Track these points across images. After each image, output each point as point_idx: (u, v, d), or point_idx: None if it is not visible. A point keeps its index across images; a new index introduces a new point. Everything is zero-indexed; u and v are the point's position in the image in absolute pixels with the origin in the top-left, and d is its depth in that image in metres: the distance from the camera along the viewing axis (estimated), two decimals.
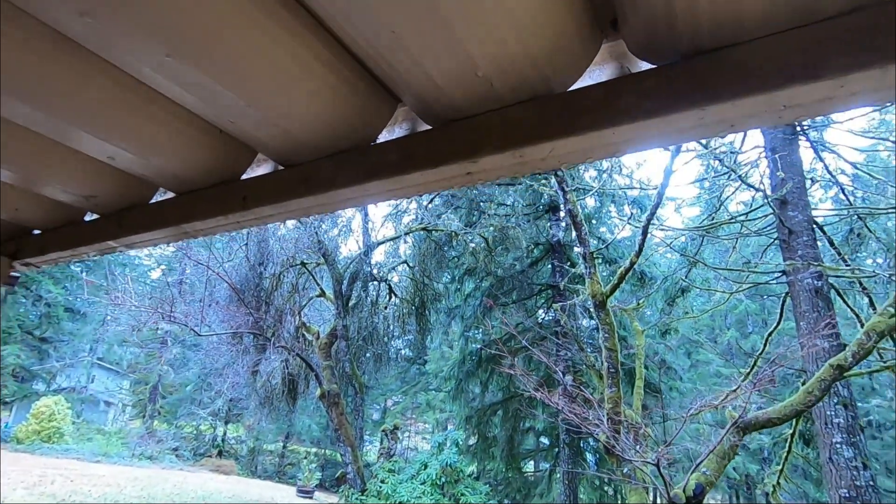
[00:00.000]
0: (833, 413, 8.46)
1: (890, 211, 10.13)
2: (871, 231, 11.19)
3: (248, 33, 0.99)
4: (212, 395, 18.24)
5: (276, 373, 10.69)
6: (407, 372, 22.13)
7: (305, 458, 23.13)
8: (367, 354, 11.79)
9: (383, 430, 12.70)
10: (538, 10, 0.88)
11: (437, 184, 1.15)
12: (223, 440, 23.40)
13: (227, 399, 15.93)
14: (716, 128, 0.87)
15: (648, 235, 7.28)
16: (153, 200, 1.80)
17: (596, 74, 1.00)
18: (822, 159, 11.60)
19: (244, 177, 1.55)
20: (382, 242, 11.67)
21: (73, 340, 22.30)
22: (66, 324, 21.44)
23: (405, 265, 12.78)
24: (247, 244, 10.64)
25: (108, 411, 25.56)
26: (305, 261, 10.81)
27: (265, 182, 1.44)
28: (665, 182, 6.12)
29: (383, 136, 1.27)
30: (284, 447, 24.75)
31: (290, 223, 11.22)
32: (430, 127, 1.18)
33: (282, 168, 1.44)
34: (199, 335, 9.18)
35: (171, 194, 1.73)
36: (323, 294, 11.16)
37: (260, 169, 1.53)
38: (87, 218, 1.95)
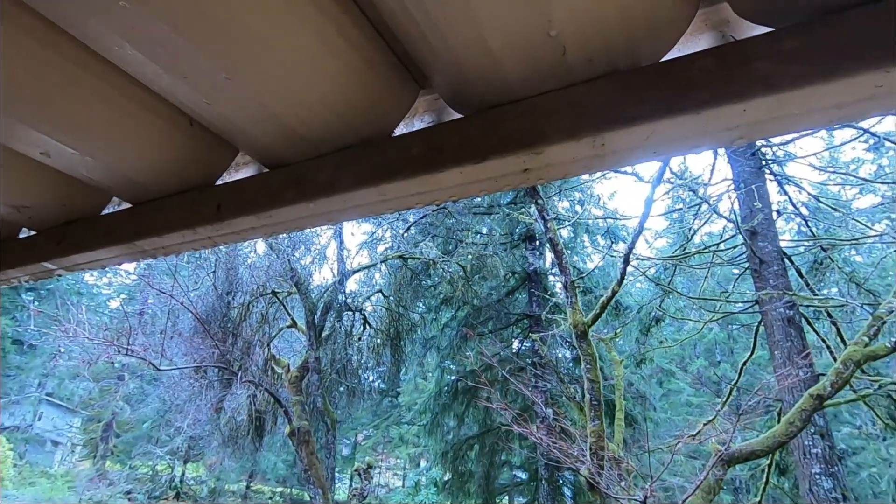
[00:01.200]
0: (811, 443, 8.48)
1: (850, 242, 10.52)
2: (833, 261, 11.58)
3: None
4: (171, 432, 17.15)
5: (242, 409, 10.08)
6: (379, 405, 21.44)
7: (271, 498, 21.87)
8: (341, 388, 11.29)
9: (356, 470, 12.07)
10: None
11: (480, 185, 0.90)
12: (181, 481, 21.92)
13: (188, 437, 14.97)
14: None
15: (620, 266, 7.27)
16: (105, 212, 1.54)
17: (689, 46, 0.79)
18: (786, 192, 12.07)
19: (219, 182, 1.26)
20: (358, 270, 11.36)
21: (20, 375, 20.79)
22: (14, 357, 20.01)
23: (380, 294, 12.45)
24: (214, 271, 10.16)
25: (55, 452, 23.72)
26: (277, 290, 10.38)
27: (245, 187, 1.15)
28: (646, 211, 6.14)
29: (399, 130, 1.02)
30: (248, 487, 23.35)
31: (261, 248, 10.82)
32: (461, 116, 0.94)
33: (266, 170, 1.16)
34: (159, 370, 8.59)
35: (126, 204, 1.46)
36: (294, 325, 10.71)
37: (240, 173, 1.24)
38: (23, 234, 1.65)
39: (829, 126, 0.70)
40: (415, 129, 1.03)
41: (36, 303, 20.32)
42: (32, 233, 1.61)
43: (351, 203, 0.99)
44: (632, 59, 0.79)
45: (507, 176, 0.87)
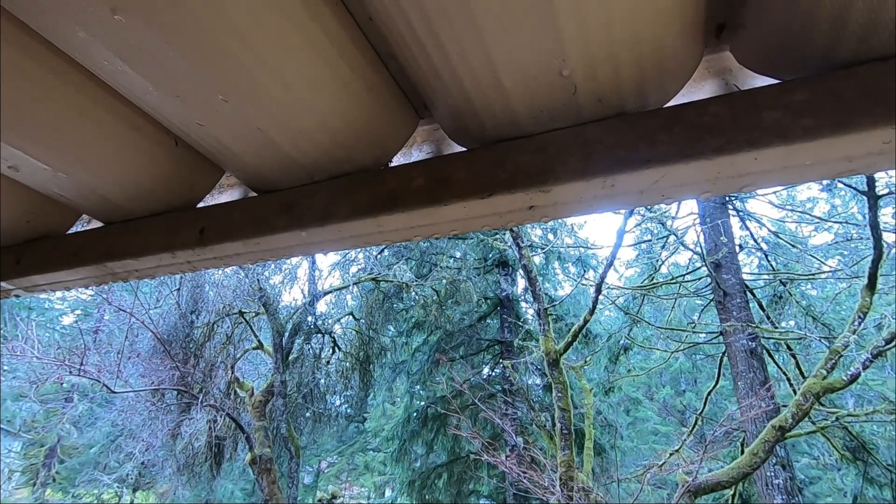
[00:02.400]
0: (773, 474, 8.64)
1: (807, 277, 10.99)
2: (791, 295, 12.06)
3: None
4: (121, 458, 16.18)
5: (200, 434, 9.60)
6: (345, 431, 20.83)
7: None
8: (307, 413, 10.92)
9: (319, 500, 11.59)
10: None
11: (484, 220, 0.87)
12: None
13: (139, 463, 14.13)
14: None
15: (592, 294, 7.38)
16: (71, 230, 1.45)
17: (693, 92, 0.80)
18: (747, 227, 12.59)
19: (202, 204, 1.20)
20: (329, 292, 11.14)
21: None
22: None
23: (351, 316, 12.23)
24: (179, 289, 9.78)
25: None
26: (244, 309, 10.06)
27: (231, 211, 1.09)
28: (618, 242, 6.27)
29: (396, 160, 1.00)
30: None
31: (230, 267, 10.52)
32: (463, 149, 0.92)
33: (255, 195, 1.11)
34: (113, 392, 8.12)
35: (96, 223, 1.37)
36: (261, 346, 10.36)
37: (224, 195, 1.19)
38: None
39: (838, 177, 0.72)
40: (413, 159, 1.00)
41: None
42: None
43: (346, 233, 0.95)
44: (640, 101, 0.80)
45: (513, 212, 0.85)
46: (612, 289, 11.88)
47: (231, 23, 0.73)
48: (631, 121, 0.80)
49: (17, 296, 1.41)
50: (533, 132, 0.85)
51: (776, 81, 0.74)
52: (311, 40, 0.78)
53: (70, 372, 7.94)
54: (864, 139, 0.65)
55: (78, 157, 1.04)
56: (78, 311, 23.36)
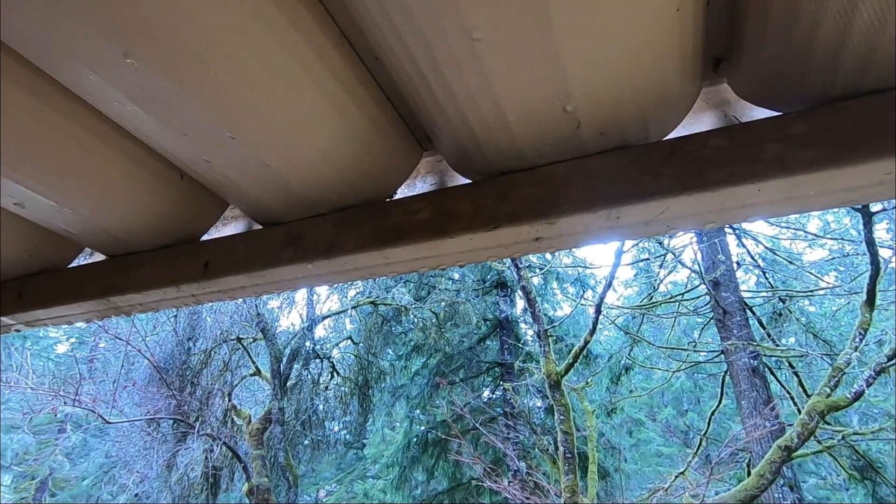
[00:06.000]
0: (781, 495, 8.49)
1: (806, 294, 11.00)
2: (791, 312, 12.04)
3: (242, 29, 0.69)
4: (114, 490, 15.80)
5: (196, 464, 9.40)
6: (344, 458, 20.44)
7: None
8: (305, 441, 10.73)
9: None
10: (658, 20, 0.66)
11: (489, 251, 0.88)
12: None
13: (133, 495, 13.80)
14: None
15: (591, 314, 7.37)
16: (73, 264, 1.45)
17: (693, 124, 0.81)
18: (744, 245, 12.64)
19: (205, 237, 1.21)
20: (328, 316, 11.07)
21: None
22: None
23: (349, 341, 12.13)
24: (176, 316, 9.70)
25: None
26: (241, 335, 9.97)
27: (235, 244, 1.10)
28: (616, 262, 6.29)
29: (401, 192, 1.01)
30: None
31: None
32: (467, 181, 0.93)
33: (259, 227, 1.12)
34: (108, 422, 7.98)
35: (99, 256, 1.37)
36: (258, 372, 10.24)
37: (228, 228, 1.20)
38: None
39: (840, 207, 0.73)
40: (417, 191, 1.01)
41: None
42: None
43: (352, 265, 0.95)
44: (642, 134, 0.81)
45: (519, 244, 0.85)
46: (612, 308, 11.86)
47: (240, 64, 0.74)
48: (633, 153, 0.81)
49: (17, 330, 1.40)
50: (536, 164, 0.86)
51: (775, 113, 0.76)
52: (317, 79, 0.80)
53: (65, 402, 7.81)
54: (866, 171, 0.67)
55: (84, 193, 1.05)
56: (72, 340, 23.10)
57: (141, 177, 1.04)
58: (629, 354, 12.88)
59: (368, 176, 0.96)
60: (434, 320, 11.90)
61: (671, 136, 0.83)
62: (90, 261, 1.36)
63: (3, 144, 0.92)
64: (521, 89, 0.75)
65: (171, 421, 9.06)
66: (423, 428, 13.63)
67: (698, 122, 0.83)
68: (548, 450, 9.38)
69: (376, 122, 0.90)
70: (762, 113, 0.78)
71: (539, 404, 13.93)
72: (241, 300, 9.67)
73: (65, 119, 0.92)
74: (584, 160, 0.83)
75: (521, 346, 13.21)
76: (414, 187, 1.03)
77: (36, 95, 0.87)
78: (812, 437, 8.08)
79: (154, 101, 0.79)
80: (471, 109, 0.79)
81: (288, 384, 10.15)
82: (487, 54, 0.70)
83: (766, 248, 12.17)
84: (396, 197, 1.02)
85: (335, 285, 12.24)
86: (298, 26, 0.72)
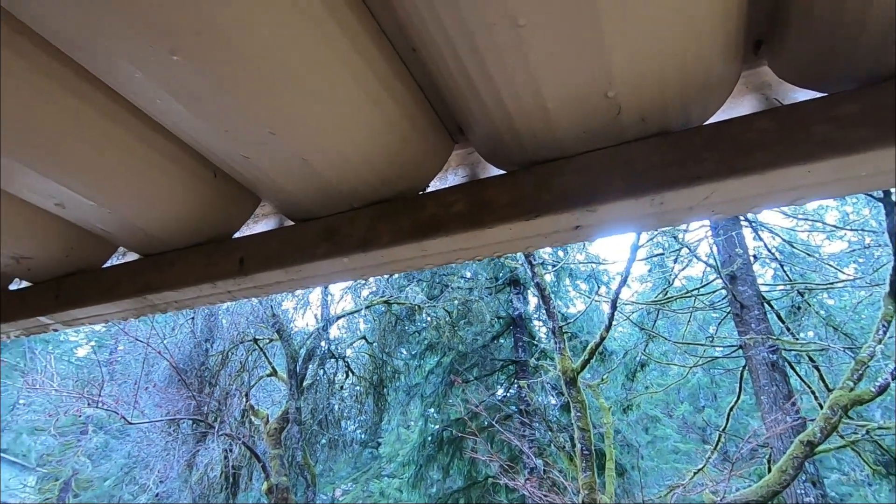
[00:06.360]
0: (803, 491, 8.37)
1: (825, 286, 10.82)
2: (810, 305, 11.85)
3: (289, 27, 0.70)
4: (135, 490, 16.05)
5: (215, 464, 9.52)
6: (359, 457, 20.55)
7: None
8: (322, 440, 10.81)
9: None
10: (703, 1, 0.65)
11: (528, 241, 0.88)
12: None
13: (154, 495, 14.02)
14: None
15: (606, 310, 7.32)
16: (108, 264, 1.48)
17: (733, 108, 0.81)
18: (760, 238, 12.45)
19: (238, 234, 1.22)
20: (342, 316, 11.14)
21: None
22: None
23: (363, 340, 12.19)
24: (193, 317, 9.82)
25: None
26: (258, 336, 10.07)
27: (270, 240, 1.11)
28: (632, 257, 6.24)
29: (433, 184, 1.01)
30: None
31: None
32: (501, 171, 0.93)
33: (291, 223, 1.13)
34: (130, 423, 8.11)
35: (132, 255, 1.40)
36: (275, 373, 10.34)
37: (260, 225, 1.22)
38: (13, 286, 1.55)
39: (891, 187, 0.72)
40: (449, 183, 1.01)
41: None
42: (24, 284, 1.51)
43: (388, 259, 0.96)
44: (683, 119, 0.80)
45: (559, 233, 0.85)
46: (627, 304, 11.77)
47: (284, 62, 0.75)
48: (674, 138, 0.80)
49: (55, 330, 1.43)
50: (575, 152, 0.86)
51: (820, 94, 0.75)
52: (356, 75, 0.80)
53: (88, 404, 7.95)
54: None
55: (123, 193, 1.07)
56: (92, 343, 23.51)
57: (177, 175, 1.05)
58: (644, 350, 12.78)
59: (403, 169, 0.96)
60: (447, 319, 11.91)
61: (711, 120, 0.82)
62: (124, 260, 1.39)
63: (47, 145, 0.94)
64: (562, 75, 0.74)
65: (191, 421, 9.18)
66: (437, 426, 13.65)
67: (738, 106, 0.82)
68: (564, 447, 9.35)
69: (411, 116, 0.91)
70: (805, 94, 0.77)
71: (554, 401, 13.87)
72: (256, 301, 9.76)
73: (105, 119, 0.94)
74: (623, 147, 0.83)
75: (534, 343, 13.18)
76: (445, 180, 1.03)
77: (77, 96, 0.89)
78: (835, 432, 7.95)
79: (197, 98, 0.80)
80: (510, 97, 0.79)
81: (304, 384, 10.23)
82: (530, 41, 0.69)
83: (784, 240, 11.99)
84: (429, 190, 1.02)
85: (359, 282, 12.31)
86: (342, 24, 0.73)
